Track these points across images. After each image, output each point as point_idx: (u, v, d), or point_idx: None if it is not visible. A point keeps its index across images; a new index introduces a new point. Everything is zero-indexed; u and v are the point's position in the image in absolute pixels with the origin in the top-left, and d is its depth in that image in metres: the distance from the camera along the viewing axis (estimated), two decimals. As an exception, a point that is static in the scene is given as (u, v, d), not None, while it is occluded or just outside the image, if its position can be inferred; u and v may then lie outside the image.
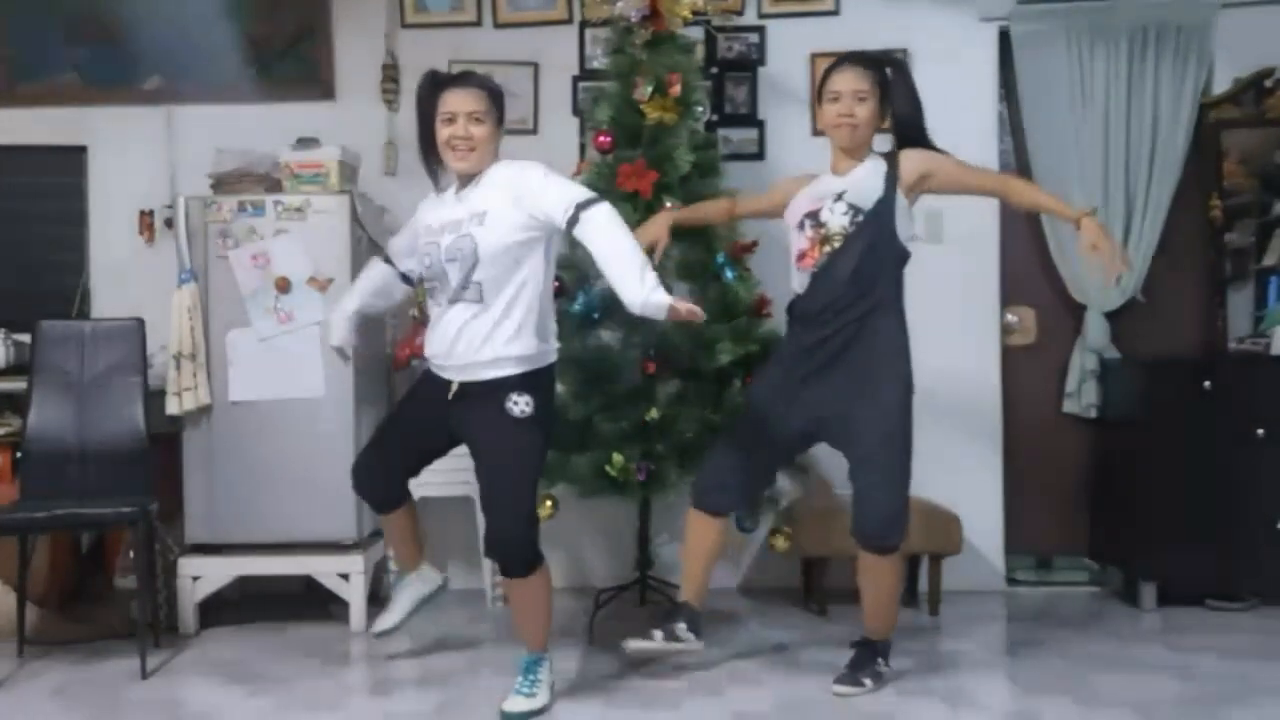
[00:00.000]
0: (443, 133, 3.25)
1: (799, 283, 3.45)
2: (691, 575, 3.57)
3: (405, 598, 3.74)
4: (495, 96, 3.30)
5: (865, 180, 3.37)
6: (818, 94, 3.49)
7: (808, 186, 3.50)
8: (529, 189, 3.18)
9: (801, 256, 3.40)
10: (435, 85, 3.30)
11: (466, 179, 3.31)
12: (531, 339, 3.21)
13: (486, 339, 3.19)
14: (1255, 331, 4.54)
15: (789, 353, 3.48)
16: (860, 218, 3.32)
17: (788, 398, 3.42)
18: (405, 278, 3.64)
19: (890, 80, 3.42)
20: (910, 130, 3.45)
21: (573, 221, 3.11)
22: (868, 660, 3.45)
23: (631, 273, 3.07)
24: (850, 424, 3.35)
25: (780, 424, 3.43)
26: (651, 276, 3.07)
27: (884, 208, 3.33)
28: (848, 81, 3.37)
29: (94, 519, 3.81)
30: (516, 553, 3.20)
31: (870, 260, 3.33)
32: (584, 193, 3.16)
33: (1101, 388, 4.70)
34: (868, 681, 3.39)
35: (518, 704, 3.24)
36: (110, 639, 4.02)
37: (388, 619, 3.71)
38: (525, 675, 3.30)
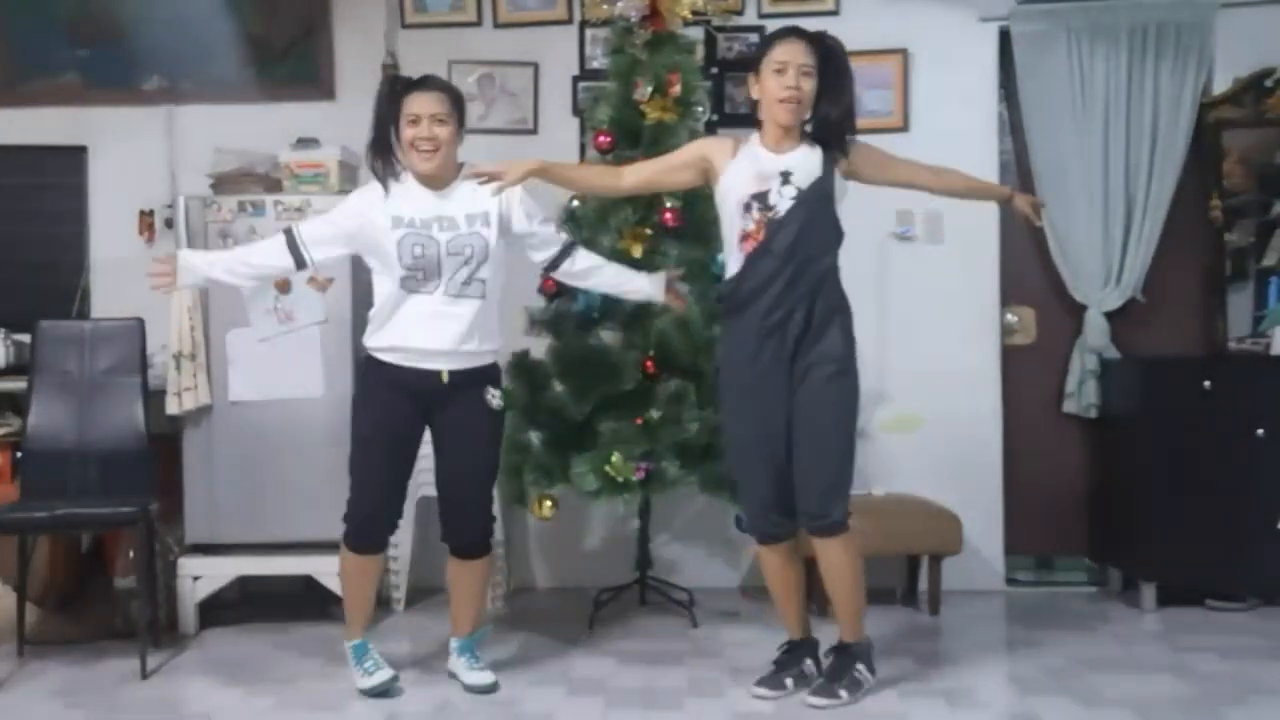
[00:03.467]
0: (407, 133, 3.32)
1: (734, 265, 3.27)
2: (790, 612, 3.45)
3: (379, 659, 3.51)
4: (457, 100, 3.39)
5: (805, 162, 3.24)
6: (755, 64, 3.27)
7: (744, 162, 3.27)
8: (520, 207, 3.41)
9: (745, 238, 3.23)
10: (396, 90, 3.36)
11: (431, 179, 3.36)
12: (499, 332, 3.50)
13: (486, 331, 3.39)
14: (1255, 331, 4.54)
15: (744, 352, 3.25)
16: (798, 195, 3.22)
17: (769, 395, 3.24)
18: (300, 265, 3.44)
19: (831, 58, 3.24)
20: (839, 119, 3.24)
21: (567, 250, 3.49)
22: (845, 668, 3.32)
23: (632, 273, 3.60)
24: (803, 406, 3.22)
25: (779, 424, 3.26)
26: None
27: (822, 185, 3.23)
28: (795, 54, 3.18)
29: (94, 519, 3.81)
30: (487, 535, 3.50)
31: (808, 236, 3.21)
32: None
33: (1101, 388, 4.70)
34: (843, 693, 3.26)
35: (485, 676, 3.48)
36: (110, 639, 4.01)
37: (380, 677, 3.45)
38: (474, 654, 3.53)
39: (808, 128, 3.32)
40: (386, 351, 3.38)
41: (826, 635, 3.49)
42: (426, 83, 3.38)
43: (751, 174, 3.27)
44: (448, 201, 3.35)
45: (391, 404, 3.38)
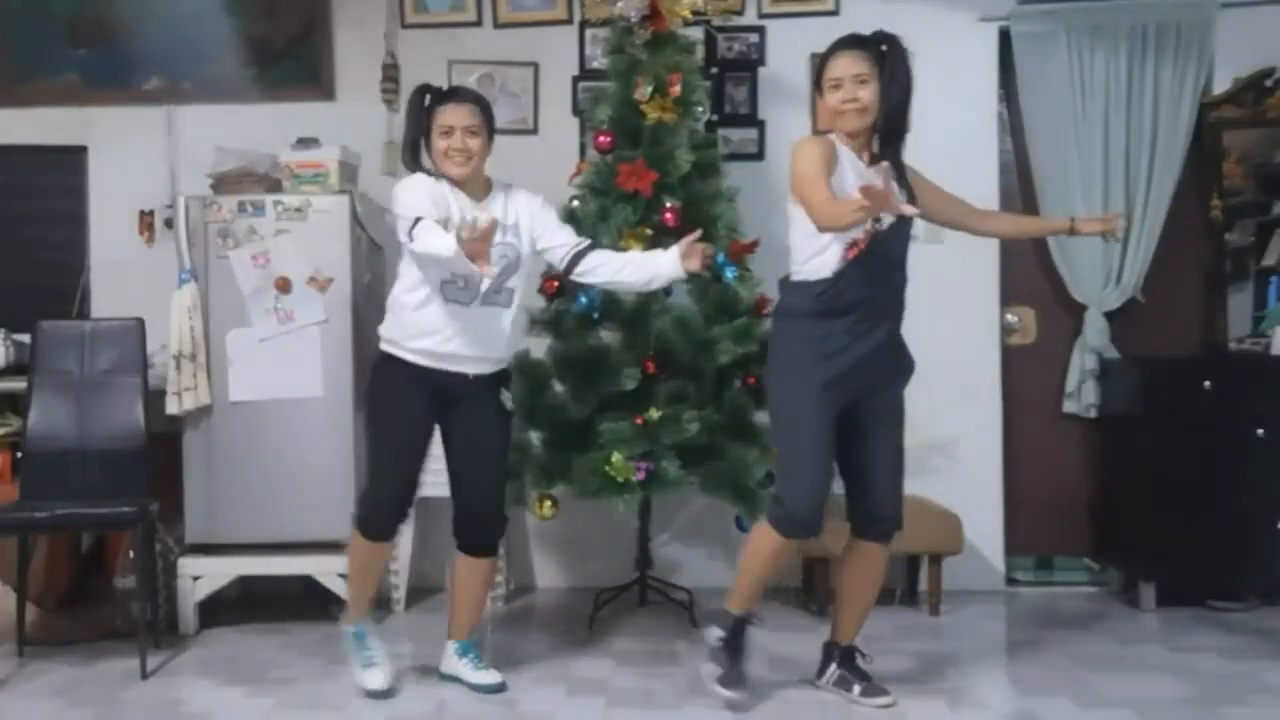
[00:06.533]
0: (440, 144, 3.35)
1: (825, 269, 3.20)
2: (758, 590, 3.44)
3: (379, 648, 3.54)
4: (487, 111, 3.44)
5: (891, 180, 3.21)
6: (817, 84, 3.34)
7: (848, 169, 3.21)
8: (544, 221, 3.48)
9: (850, 246, 3.19)
10: (428, 99, 3.39)
11: (469, 187, 3.38)
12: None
13: (509, 337, 3.47)
14: (1255, 331, 4.54)
15: (826, 347, 3.19)
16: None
17: (839, 394, 3.21)
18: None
19: (885, 58, 3.24)
20: (895, 115, 3.24)
21: (581, 254, 3.44)
22: (858, 665, 3.39)
23: (648, 259, 3.46)
24: (874, 409, 3.28)
25: (834, 424, 3.24)
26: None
27: (912, 202, 3.25)
28: (846, 66, 3.22)
29: (94, 519, 3.80)
30: (500, 532, 3.57)
31: (903, 249, 3.31)
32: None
33: (1101, 388, 4.70)
34: (888, 687, 3.34)
35: (492, 676, 3.51)
36: (110, 639, 4.02)
37: (382, 676, 3.48)
38: (476, 654, 3.55)
39: (875, 145, 3.28)
40: (412, 352, 3.36)
41: (824, 636, 3.48)
42: (458, 94, 3.43)
43: (856, 183, 3.15)
44: (487, 210, 3.33)
45: (411, 397, 3.39)
